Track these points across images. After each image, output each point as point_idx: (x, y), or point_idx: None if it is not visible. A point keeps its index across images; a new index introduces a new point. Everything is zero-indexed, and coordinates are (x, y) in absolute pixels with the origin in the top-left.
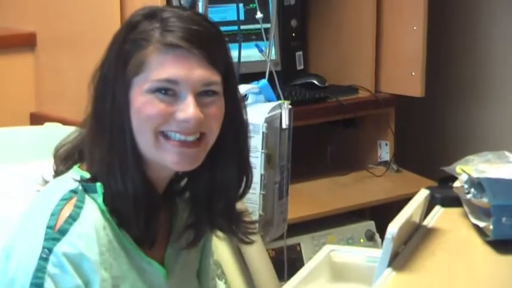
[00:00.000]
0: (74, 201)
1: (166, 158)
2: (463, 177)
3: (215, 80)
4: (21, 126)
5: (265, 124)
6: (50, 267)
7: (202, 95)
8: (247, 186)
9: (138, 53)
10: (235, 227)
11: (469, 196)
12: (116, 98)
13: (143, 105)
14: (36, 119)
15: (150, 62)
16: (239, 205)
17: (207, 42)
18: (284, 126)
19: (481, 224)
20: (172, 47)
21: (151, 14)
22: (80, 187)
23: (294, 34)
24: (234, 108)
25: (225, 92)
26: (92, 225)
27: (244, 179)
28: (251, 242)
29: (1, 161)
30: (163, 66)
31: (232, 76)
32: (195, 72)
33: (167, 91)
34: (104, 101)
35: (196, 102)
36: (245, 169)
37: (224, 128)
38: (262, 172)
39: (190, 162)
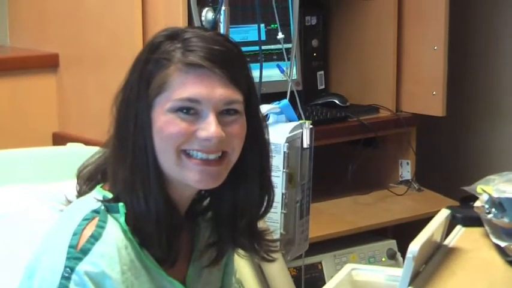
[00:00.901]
0: (96, 221)
1: (189, 177)
2: (484, 197)
3: (237, 98)
4: (44, 146)
5: (287, 144)
6: (72, 286)
7: (224, 113)
8: (269, 205)
9: (160, 73)
10: (257, 245)
11: (490, 216)
12: (138, 118)
13: (165, 124)
14: (59, 139)
15: (171, 82)
16: (260, 224)
17: (229, 61)
18: (305, 145)
19: (503, 244)
20: (193, 67)
21: (173, 35)
22: (103, 207)
23: (315, 54)
24: (256, 128)
25: (247, 111)
26: (114, 244)
27: (266, 197)
28: (273, 260)
29: (24, 181)
30: (185, 86)
31: (254, 95)
32: (217, 91)
33: (189, 110)
34: (127, 122)
35: (218, 121)
36: (267, 188)
37: (246, 147)
38: (284, 191)
39: (213, 181)
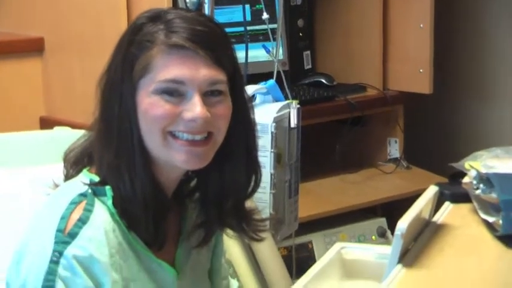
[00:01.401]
0: (83, 204)
1: (175, 158)
2: (472, 173)
3: (221, 79)
4: (31, 130)
5: (274, 124)
6: (61, 270)
7: (208, 94)
8: (256, 184)
9: (143, 55)
10: (246, 225)
11: (478, 192)
12: (123, 100)
13: (150, 106)
14: (46, 123)
15: (155, 64)
16: (248, 203)
17: (212, 42)
18: (293, 125)
19: (491, 219)
20: (177, 48)
21: (155, 16)
22: (90, 190)
23: (301, 34)
24: (241, 108)
25: (232, 92)
26: (101, 228)
27: (253, 177)
28: (261, 239)
29: (12, 165)
30: (169, 67)
31: (238, 76)
32: (201, 71)
33: (173, 92)
34: (111, 104)
35: (203, 102)
36: (254, 168)
37: (232, 128)
38: (272, 171)
39: (199, 161)
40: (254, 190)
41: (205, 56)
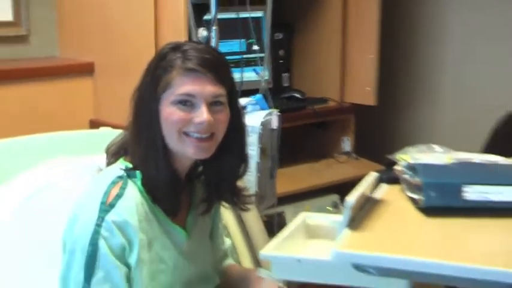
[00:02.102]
0: (120, 184)
1: (188, 150)
2: (402, 163)
3: (222, 93)
4: (83, 130)
5: (261, 126)
6: (103, 231)
7: (212, 104)
8: (244, 170)
9: (165, 76)
10: (236, 199)
11: (406, 176)
12: (149, 109)
13: (169, 114)
14: (94, 125)
15: (174, 82)
16: (239, 183)
17: (216, 67)
18: (274, 127)
19: (415, 196)
20: (190, 71)
21: (175, 47)
22: (125, 174)
23: (281, 61)
24: (236, 115)
25: (230, 103)
26: (133, 201)
27: (243, 165)
28: (248, 210)
29: (70, 154)
30: (184, 85)
31: (235, 91)
32: (207, 88)
33: (186, 102)
34: (142, 112)
35: (208, 110)
36: (243, 159)
37: (229, 129)
38: (258, 160)
39: (205, 153)
40: (243, 174)
41: (210, 77)
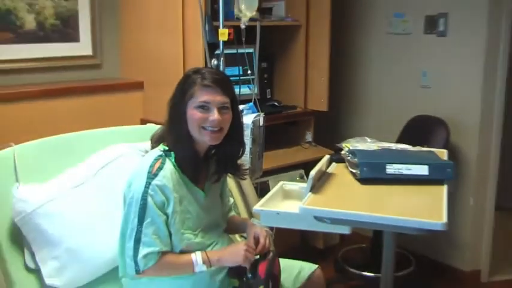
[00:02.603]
0: (160, 160)
1: (205, 139)
2: (346, 149)
3: (227, 101)
4: (135, 125)
5: (252, 123)
6: (150, 191)
7: (221, 109)
8: (243, 152)
9: (191, 90)
10: (237, 172)
11: (348, 158)
12: (179, 111)
13: (192, 115)
14: (143, 122)
15: (196, 93)
16: (239, 161)
17: (224, 83)
18: (261, 125)
19: (354, 171)
20: (207, 86)
21: (196, 71)
22: (163, 154)
23: (265, 80)
24: (237, 116)
25: (232, 108)
26: (169, 171)
27: (241, 149)
28: (244, 179)
29: (126, 142)
30: (202, 95)
31: (235, 100)
32: (217, 98)
33: (203, 107)
34: (174, 113)
35: (218, 113)
36: (241, 145)
37: (232, 125)
38: (251, 146)
39: (216, 140)
40: (241, 155)
41: (220, 90)
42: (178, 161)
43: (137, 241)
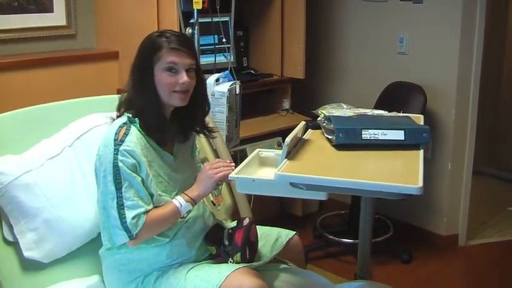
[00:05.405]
0: (125, 127)
1: (175, 101)
2: (322, 115)
3: (194, 63)
4: (112, 95)
5: (228, 91)
6: (119, 156)
7: (188, 71)
8: (208, 110)
9: (158, 53)
10: (205, 130)
11: (324, 124)
12: (147, 75)
13: (162, 79)
14: (119, 92)
15: (163, 56)
16: (210, 121)
17: (189, 45)
18: (237, 93)
19: (330, 137)
20: (175, 49)
21: (159, 34)
22: (128, 121)
23: (242, 49)
24: (201, 77)
25: (196, 70)
26: (135, 137)
27: (206, 107)
28: (215, 137)
29: (102, 111)
30: (170, 57)
31: (198, 62)
32: (185, 60)
33: (171, 69)
34: (141, 76)
35: (186, 74)
36: (206, 103)
37: (196, 86)
38: (227, 115)
39: (185, 102)
40: (207, 113)
41: (187, 52)
42: (143, 126)
43: (121, 207)
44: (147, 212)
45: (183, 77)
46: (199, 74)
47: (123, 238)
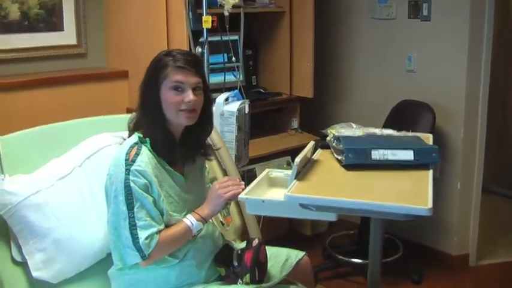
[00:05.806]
0: (136, 147)
1: (182, 120)
2: (331, 135)
3: (200, 82)
4: (122, 114)
5: (237, 111)
6: (131, 177)
7: (194, 89)
8: (210, 131)
9: (163, 72)
10: (207, 151)
11: (333, 144)
12: (153, 95)
13: (168, 98)
14: (129, 111)
15: (169, 75)
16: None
17: (196, 64)
18: (246, 112)
19: (339, 157)
20: (180, 68)
21: (166, 53)
22: (139, 141)
23: (251, 68)
24: (207, 97)
25: (204, 89)
26: (146, 157)
27: (209, 128)
28: (211, 160)
29: (112, 131)
30: (176, 76)
31: (205, 79)
32: (191, 79)
33: (178, 88)
34: (148, 97)
35: (192, 93)
36: (210, 124)
37: (203, 106)
38: (236, 134)
39: (192, 120)
40: (209, 134)
41: (193, 71)
42: (154, 146)
43: (133, 227)
44: (159, 231)
45: (189, 96)
46: (206, 92)
47: (135, 258)
